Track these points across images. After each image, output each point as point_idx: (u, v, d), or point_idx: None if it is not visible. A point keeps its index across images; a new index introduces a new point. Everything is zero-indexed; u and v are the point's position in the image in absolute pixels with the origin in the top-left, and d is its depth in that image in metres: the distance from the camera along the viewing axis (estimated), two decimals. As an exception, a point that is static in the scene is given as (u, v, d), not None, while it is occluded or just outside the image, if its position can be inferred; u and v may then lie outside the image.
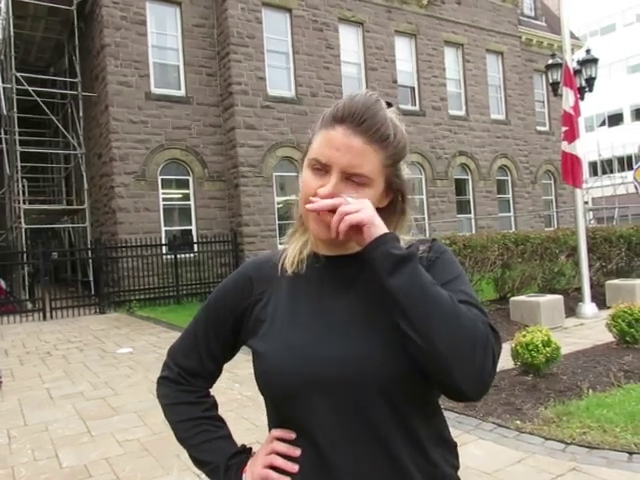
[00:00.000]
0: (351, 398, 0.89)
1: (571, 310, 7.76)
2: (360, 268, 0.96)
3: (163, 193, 13.54)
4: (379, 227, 0.88)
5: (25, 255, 13.36)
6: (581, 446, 3.32)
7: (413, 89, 17.23)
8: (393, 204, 0.99)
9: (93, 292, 13.26)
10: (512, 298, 7.55)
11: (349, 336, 0.91)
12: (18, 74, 14.07)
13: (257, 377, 0.98)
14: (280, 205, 14.34)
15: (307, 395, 0.90)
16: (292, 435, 0.94)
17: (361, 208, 0.87)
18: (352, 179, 0.90)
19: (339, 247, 0.98)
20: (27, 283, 13.62)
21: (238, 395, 4.95)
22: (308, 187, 0.93)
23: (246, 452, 1.03)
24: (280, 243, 13.76)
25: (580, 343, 6.00)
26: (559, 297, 7.39)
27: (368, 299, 0.94)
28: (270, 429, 1.01)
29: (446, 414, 1.04)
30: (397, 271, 0.84)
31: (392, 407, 0.89)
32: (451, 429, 1.03)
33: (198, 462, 1.03)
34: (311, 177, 0.93)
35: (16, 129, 14.35)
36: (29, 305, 12.75)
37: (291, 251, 1.02)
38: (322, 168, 0.91)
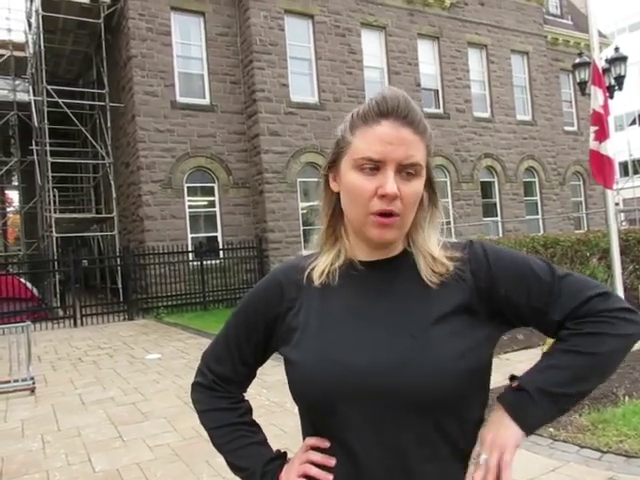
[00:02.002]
0: (389, 408, 0.86)
1: (604, 314, 7.56)
2: (401, 270, 0.95)
3: (189, 200, 13.72)
4: (513, 438, 0.87)
5: (56, 263, 13.68)
6: (618, 455, 3.23)
7: (437, 92, 17.11)
8: (424, 197, 0.96)
9: (122, 299, 13.48)
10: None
11: (388, 345, 0.89)
12: (48, 87, 14.44)
13: (291, 386, 0.96)
14: (304, 211, 14.37)
15: (343, 405, 0.88)
16: (327, 444, 0.92)
17: (502, 462, 0.85)
18: (405, 171, 0.89)
19: (381, 250, 0.96)
20: (58, 290, 13.93)
21: (266, 401, 4.97)
22: (362, 190, 0.89)
23: (282, 458, 1.01)
24: (305, 249, 13.76)
25: (614, 348, 5.85)
26: (591, 301, 7.20)
27: (406, 304, 0.92)
28: (304, 436, 1.00)
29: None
30: (562, 408, 0.90)
31: (433, 419, 0.87)
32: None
33: (235, 468, 1.03)
34: (361, 178, 0.89)
35: (47, 140, 14.73)
36: (60, 312, 13.02)
37: (322, 263, 0.99)
38: (374, 166, 0.88)
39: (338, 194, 0.96)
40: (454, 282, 0.92)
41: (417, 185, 0.90)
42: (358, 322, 0.92)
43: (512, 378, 0.92)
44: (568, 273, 0.92)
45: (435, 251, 0.94)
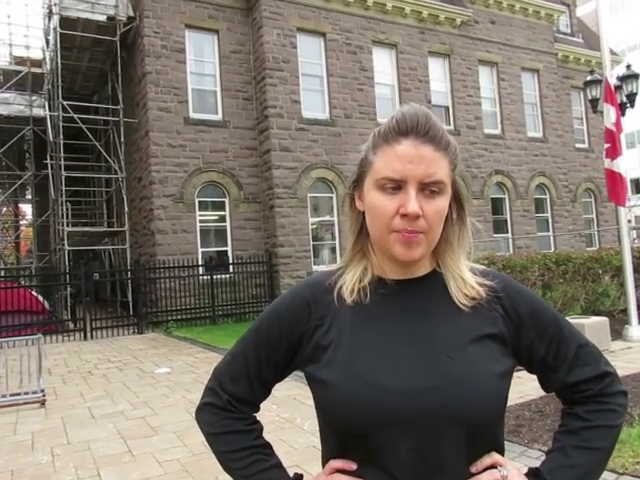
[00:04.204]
0: (430, 430, 0.85)
1: (617, 333, 7.47)
2: (431, 291, 0.94)
3: (200, 215, 13.81)
4: None
5: (67, 276, 13.77)
6: (635, 477, 3.16)
7: (447, 109, 17.19)
8: (451, 213, 0.96)
9: (132, 312, 13.53)
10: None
11: (425, 367, 0.88)
12: (64, 102, 14.71)
13: (323, 407, 0.93)
14: (314, 226, 14.41)
15: (382, 428, 0.86)
16: (354, 466, 0.90)
17: None
18: (427, 189, 0.88)
19: (409, 269, 0.95)
20: (69, 303, 14.00)
21: (276, 417, 4.94)
22: (384, 209, 0.88)
23: None
24: (315, 264, 13.79)
25: (628, 367, 5.76)
26: (604, 319, 7.13)
27: (440, 326, 0.91)
28: (326, 456, 0.97)
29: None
30: None
31: (471, 438, 0.87)
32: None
33: None
34: (383, 198, 0.89)
35: (61, 155, 14.95)
36: (71, 325, 13.08)
37: (349, 280, 0.96)
38: (395, 186, 0.88)
39: (364, 212, 0.96)
40: (486, 310, 0.94)
41: (441, 203, 0.89)
42: (392, 343, 0.90)
43: (532, 473, 0.94)
44: (587, 343, 0.99)
45: (465, 273, 0.95)
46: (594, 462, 0.93)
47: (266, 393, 1.04)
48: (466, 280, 0.95)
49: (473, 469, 0.88)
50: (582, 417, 0.96)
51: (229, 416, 1.00)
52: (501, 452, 0.94)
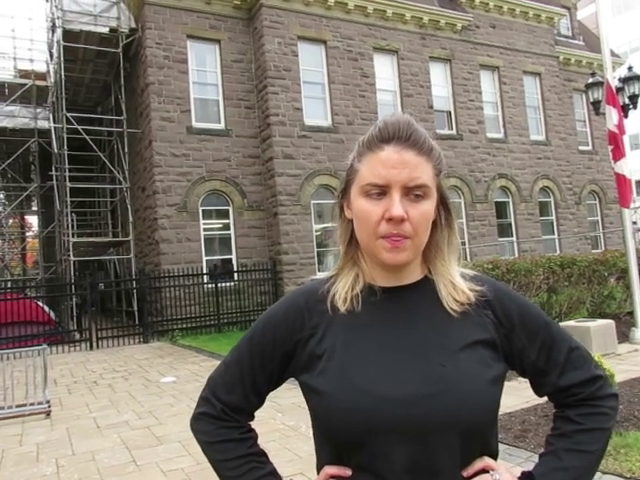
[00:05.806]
0: (423, 437, 0.85)
1: (624, 335, 7.42)
2: (422, 297, 0.94)
3: (204, 223, 13.85)
4: None
5: (73, 286, 13.82)
6: (642, 481, 3.12)
7: (449, 113, 17.20)
8: (439, 218, 0.97)
9: (137, 322, 13.55)
10: (560, 323, 7.28)
11: (418, 375, 0.88)
12: (68, 114, 14.83)
13: (318, 416, 0.93)
14: (318, 232, 14.40)
15: (376, 436, 0.86)
16: (348, 472, 0.90)
17: None
18: (412, 193, 0.89)
19: (399, 275, 0.95)
20: (75, 313, 14.03)
21: (280, 425, 4.91)
22: (369, 215, 0.89)
23: None
24: (319, 270, 13.77)
25: (635, 370, 5.70)
26: (610, 322, 7.09)
27: (431, 333, 0.92)
28: (320, 462, 0.97)
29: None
30: None
31: (464, 445, 0.87)
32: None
33: None
34: (368, 204, 0.90)
35: (66, 166, 15.04)
36: (77, 335, 13.11)
37: (341, 288, 0.97)
38: (380, 191, 0.89)
39: (353, 221, 0.96)
40: (477, 316, 0.94)
41: (426, 206, 0.90)
42: (384, 351, 0.91)
43: (525, 477, 0.94)
44: (578, 346, 0.99)
45: (456, 277, 0.96)
46: (586, 465, 0.94)
47: (261, 402, 1.04)
48: (457, 285, 0.95)
49: (464, 473, 0.88)
50: (574, 420, 0.96)
51: (224, 425, 1.00)
52: (494, 456, 0.94)
